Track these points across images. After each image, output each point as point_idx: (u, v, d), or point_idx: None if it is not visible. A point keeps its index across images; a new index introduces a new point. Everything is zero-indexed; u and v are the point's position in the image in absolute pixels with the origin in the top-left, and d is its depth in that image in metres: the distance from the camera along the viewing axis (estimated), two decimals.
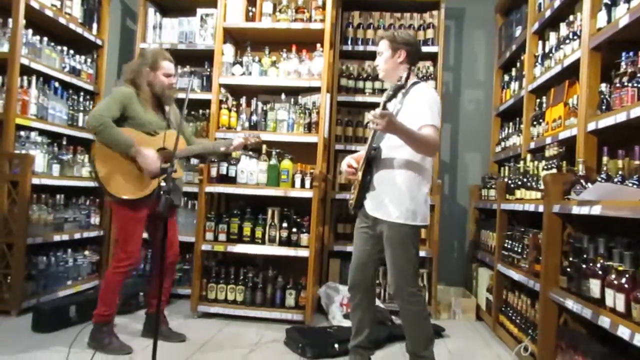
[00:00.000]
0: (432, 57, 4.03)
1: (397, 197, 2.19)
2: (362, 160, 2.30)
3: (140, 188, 2.59)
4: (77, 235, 3.71)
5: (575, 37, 2.61)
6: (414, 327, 2.25)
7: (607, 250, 1.92)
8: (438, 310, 3.69)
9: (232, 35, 3.83)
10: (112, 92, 2.67)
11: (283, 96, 3.63)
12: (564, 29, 2.80)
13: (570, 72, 2.65)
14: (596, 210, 1.89)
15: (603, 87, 2.28)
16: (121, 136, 2.53)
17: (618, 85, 2.11)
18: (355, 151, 3.97)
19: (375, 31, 4.08)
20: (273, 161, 3.44)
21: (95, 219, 3.97)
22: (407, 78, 2.07)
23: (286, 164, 3.44)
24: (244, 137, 2.90)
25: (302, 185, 3.42)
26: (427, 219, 2.28)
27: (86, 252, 3.87)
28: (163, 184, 2.17)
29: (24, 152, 3.29)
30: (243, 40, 3.85)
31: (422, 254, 3.72)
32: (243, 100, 3.72)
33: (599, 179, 2.08)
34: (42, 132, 3.49)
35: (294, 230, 3.39)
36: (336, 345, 2.72)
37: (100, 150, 2.59)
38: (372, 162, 2.25)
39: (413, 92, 2.27)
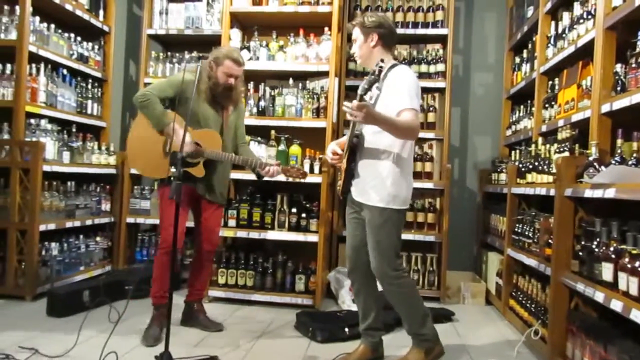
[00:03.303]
0: (442, 39, 3.97)
1: (378, 181, 2.22)
2: (345, 146, 2.32)
3: (160, 171, 2.65)
4: (88, 222, 3.75)
5: (589, 17, 2.55)
6: (405, 307, 2.29)
7: (620, 234, 1.90)
8: (447, 295, 3.70)
9: (239, 20, 3.79)
10: (171, 76, 2.88)
11: (291, 81, 3.61)
12: (577, 9, 2.73)
13: (584, 53, 2.60)
14: (610, 193, 1.87)
15: (618, 67, 2.23)
16: (160, 114, 2.59)
17: (634, 65, 2.06)
18: None
19: (384, 14, 4.01)
20: (282, 146, 3.44)
21: (106, 206, 4.00)
22: (380, 71, 2.07)
23: (295, 149, 3.43)
24: (283, 168, 2.76)
25: (311, 171, 3.42)
26: (407, 202, 2.30)
27: (98, 239, 3.92)
28: (173, 169, 2.17)
29: (34, 139, 3.31)
30: (250, 25, 3.81)
31: (431, 238, 3.73)
32: (251, 86, 3.70)
33: (613, 162, 2.04)
34: (51, 120, 3.52)
35: (303, 215, 3.40)
36: (346, 329, 2.74)
37: (136, 129, 2.68)
38: (356, 149, 2.27)
39: (391, 76, 2.25)
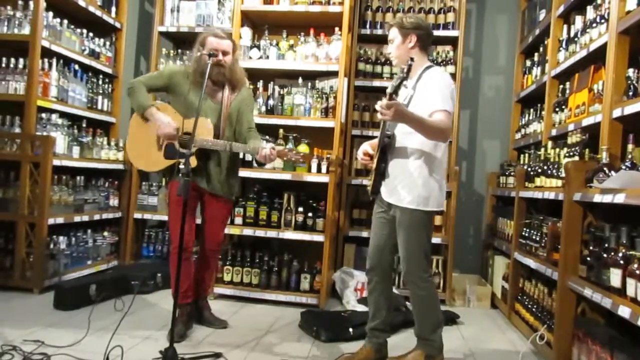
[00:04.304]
0: (453, 41, 3.96)
1: (409, 182, 2.21)
2: (377, 146, 2.31)
3: (157, 164, 2.63)
4: (96, 217, 3.78)
5: (602, 21, 2.53)
6: (423, 311, 2.28)
7: (629, 240, 1.88)
8: (453, 298, 3.68)
9: (249, 18, 3.80)
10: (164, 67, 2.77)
11: (300, 80, 3.61)
12: (590, 12, 2.71)
13: (596, 57, 2.58)
14: (620, 198, 1.85)
15: (630, 72, 2.21)
16: (142, 99, 2.58)
17: None
18: (372, 137, 3.99)
19: (395, 14, 4.01)
20: (289, 145, 3.43)
21: (114, 201, 4.03)
22: (409, 70, 2.05)
23: (302, 148, 3.44)
24: (280, 152, 2.52)
25: (319, 170, 3.42)
26: (441, 205, 2.28)
27: (105, 233, 3.95)
28: (182, 166, 2.16)
29: (45, 133, 3.34)
30: (261, 24, 3.82)
31: (437, 240, 3.71)
32: (260, 84, 3.71)
33: (624, 167, 2.03)
34: (62, 115, 3.55)
35: (310, 215, 3.40)
36: (350, 330, 2.74)
37: (133, 123, 2.67)
38: (387, 149, 2.26)
39: (425, 77, 2.25)
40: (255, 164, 2.70)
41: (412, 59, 2.08)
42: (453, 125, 3.85)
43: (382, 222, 2.34)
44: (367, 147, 2.42)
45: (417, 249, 2.22)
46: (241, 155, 3.05)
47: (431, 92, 2.18)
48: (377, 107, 2.02)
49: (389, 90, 2.06)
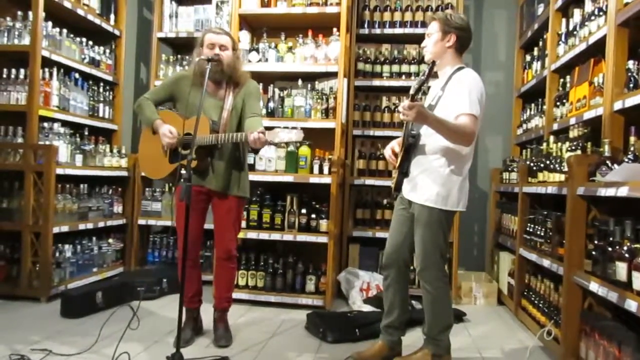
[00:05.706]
0: None
1: (430, 180, 2.21)
2: (400, 145, 2.33)
3: (159, 171, 2.64)
4: (101, 224, 3.79)
5: (601, 13, 2.52)
6: (434, 311, 2.28)
7: (634, 233, 1.87)
8: (459, 295, 3.67)
9: (247, 22, 3.81)
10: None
11: (300, 82, 3.61)
12: (588, 5, 2.70)
13: (596, 50, 2.57)
14: (623, 191, 1.84)
15: (630, 64, 2.20)
16: (148, 113, 2.61)
17: None
18: (373, 137, 4.00)
19: (392, 13, 4.02)
20: (291, 147, 3.44)
21: (118, 208, 4.04)
22: (429, 74, 2.08)
23: (304, 150, 3.44)
24: (270, 133, 2.35)
25: (321, 171, 3.42)
26: (461, 204, 2.26)
27: (110, 240, 3.96)
28: (183, 171, 2.16)
29: (47, 143, 3.36)
30: (259, 27, 3.82)
31: None
32: (260, 87, 3.70)
33: (626, 160, 2.02)
34: (64, 123, 3.56)
35: (313, 216, 3.40)
36: (357, 330, 2.74)
37: (142, 135, 2.72)
38: (410, 148, 2.26)
39: (455, 78, 2.23)
40: (250, 150, 2.64)
41: (434, 62, 2.11)
42: None
43: (402, 219, 2.34)
44: (394, 145, 2.42)
45: (433, 248, 2.22)
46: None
47: (460, 94, 2.16)
48: (400, 107, 2.04)
49: (410, 92, 2.07)
